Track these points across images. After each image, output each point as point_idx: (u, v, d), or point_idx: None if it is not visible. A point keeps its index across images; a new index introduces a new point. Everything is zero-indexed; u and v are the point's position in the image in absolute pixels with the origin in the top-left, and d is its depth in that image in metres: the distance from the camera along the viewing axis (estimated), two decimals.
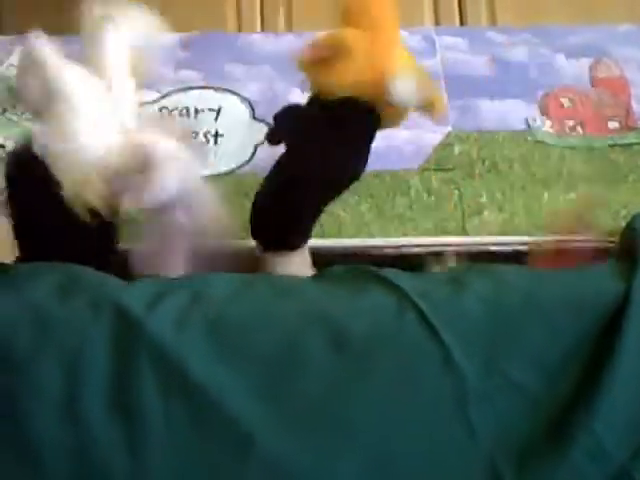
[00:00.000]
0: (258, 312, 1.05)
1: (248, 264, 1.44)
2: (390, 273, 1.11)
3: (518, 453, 1.01)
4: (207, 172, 1.57)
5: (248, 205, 1.51)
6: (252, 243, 1.43)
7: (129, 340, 1.02)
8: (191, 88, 1.74)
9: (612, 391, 0.99)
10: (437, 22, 2.11)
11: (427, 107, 1.34)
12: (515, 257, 1.45)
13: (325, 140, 1.28)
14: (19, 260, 1.24)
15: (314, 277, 1.15)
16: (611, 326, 1.03)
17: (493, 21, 2.11)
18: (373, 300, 1.07)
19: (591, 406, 0.99)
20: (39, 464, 0.98)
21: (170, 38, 1.86)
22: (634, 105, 1.72)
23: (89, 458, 0.98)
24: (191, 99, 1.71)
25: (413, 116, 1.60)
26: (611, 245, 1.39)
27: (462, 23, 2.12)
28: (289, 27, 2.11)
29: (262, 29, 2.11)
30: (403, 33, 1.84)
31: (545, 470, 0.99)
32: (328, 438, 1.00)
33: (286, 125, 1.37)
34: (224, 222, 1.29)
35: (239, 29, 2.10)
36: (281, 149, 1.60)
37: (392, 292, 1.07)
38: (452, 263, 1.39)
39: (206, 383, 0.99)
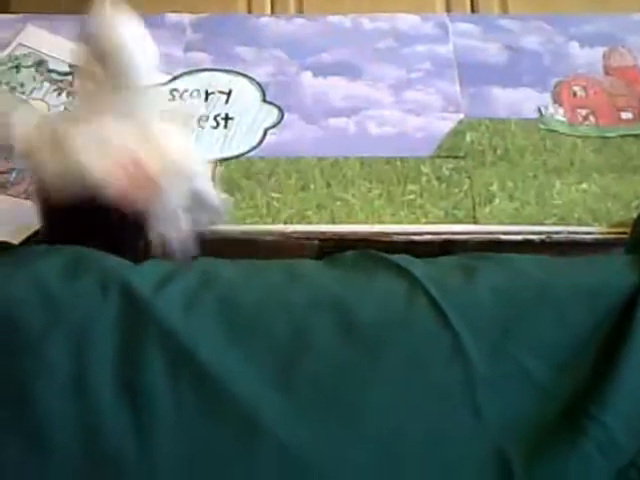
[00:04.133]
0: (269, 296, 1.05)
1: (257, 248, 1.45)
2: (401, 259, 1.10)
3: (527, 441, 1.00)
4: (217, 155, 1.56)
5: (258, 190, 1.51)
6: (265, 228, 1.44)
7: (137, 321, 1.02)
8: (201, 70, 1.72)
9: (623, 383, 0.99)
10: (448, 9, 2.09)
11: None
12: (525, 246, 1.44)
13: None
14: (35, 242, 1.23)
15: (325, 262, 1.14)
16: (623, 317, 1.02)
17: (504, 8, 2.10)
18: (383, 286, 1.06)
19: (602, 398, 0.98)
20: (48, 444, 0.98)
21: (180, 19, 1.85)
22: None
23: (98, 438, 0.98)
24: (202, 81, 1.70)
25: (423, 102, 1.61)
26: (623, 236, 1.38)
27: (473, 10, 2.11)
28: (299, 9, 2.10)
29: (272, 11, 2.10)
30: (415, 19, 1.84)
31: (555, 460, 0.98)
32: (338, 423, 0.99)
33: None
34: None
35: (249, 11, 2.09)
36: (291, 134, 1.61)
37: (403, 278, 1.06)
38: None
39: (216, 367, 0.99)
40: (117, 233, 1.19)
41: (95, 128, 1.20)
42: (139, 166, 1.18)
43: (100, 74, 1.22)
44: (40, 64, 1.72)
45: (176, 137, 1.27)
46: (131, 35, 1.24)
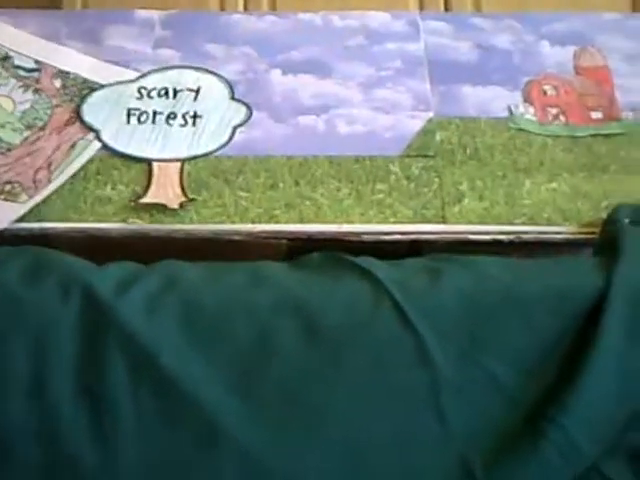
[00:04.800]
0: (232, 300, 1.04)
1: (224, 248, 1.43)
2: (366, 262, 1.10)
3: (490, 447, 1.00)
4: (185, 154, 1.55)
5: (226, 189, 1.50)
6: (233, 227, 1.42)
7: (98, 324, 1.01)
8: (170, 67, 1.71)
9: (586, 388, 0.98)
10: (421, 7, 2.09)
11: None
12: (494, 246, 1.44)
13: None
14: None
15: (290, 264, 1.14)
16: (589, 322, 1.02)
17: (478, 6, 2.09)
18: (348, 289, 1.06)
19: (564, 402, 0.98)
20: (7, 449, 0.97)
21: (150, 16, 1.83)
22: (617, 95, 1.70)
23: (58, 444, 0.97)
24: (170, 79, 1.68)
25: (393, 101, 1.60)
26: (591, 237, 1.38)
27: (447, 8, 2.11)
28: (272, 7, 2.09)
29: (245, 9, 2.08)
30: (386, 17, 1.83)
31: (515, 465, 0.98)
32: (300, 428, 0.99)
33: None
34: None
35: (222, 9, 2.08)
36: (259, 132, 1.60)
37: (367, 281, 1.06)
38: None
39: (178, 371, 0.98)
40: None
41: None
42: None
43: None
44: (5, 60, 1.70)
45: None
46: None
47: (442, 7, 2.11)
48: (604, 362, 0.99)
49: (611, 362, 1.00)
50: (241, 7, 2.09)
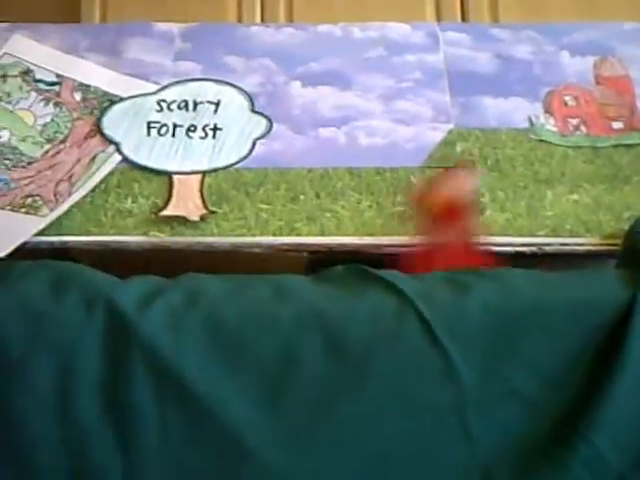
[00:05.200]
0: (255, 314, 1.03)
1: (245, 260, 1.43)
2: (390, 275, 1.09)
3: (516, 462, 0.99)
4: (206, 166, 1.55)
5: (246, 201, 1.49)
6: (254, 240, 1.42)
7: (122, 340, 1.00)
8: (190, 80, 1.71)
9: (614, 402, 0.97)
10: (439, 17, 2.09)
11: None
12: (517, 257, 1.43)
13: None
14: None
15: (313, 278, 1.13)
16: (615, 335, 1.01)
17: (495, 17, 2.09)
18: (372, 303, 1.05)
19: (593, 417, 0.97)
20: (34, 465, 0.97)
21: (169, 29, 1.84)
22: (639, 105, 1.70)
23: (84, 458, 0.97)
24: (190, 91, 1.68)
25: (413, 112, 1.60)
26: (615, 248, 1.37)
27: (464, 19, 2.10)
28: (289, 18, 2.09)
29: (262, 20, 2.09)
30: (405, 28, 1.83)
31: None
32: (325, 444, 0.98)
33: None
34: None
35: (239, 20, 2.08)
36: (280, 144, 1.59)
37: (392, 294, 1.05)
38: None
39: (202, 387, 0.98)
40: None
41: None
42: None
43: None
44: (27, 73, 1.70)
45: None
46: None
47: (459, 17, 2.11)
48: (632, 375, 0.98)
49: (638, 375, 0.99)
50: (258, 18, 2.10)
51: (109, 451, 0.97)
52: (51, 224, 1.42)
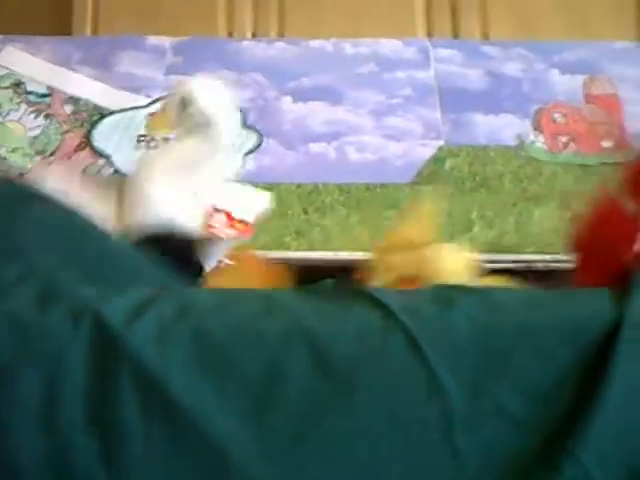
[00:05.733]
0: (243, 329, 1.03)
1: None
2: (377, 290, 1.09)
3: (503, 478, 0.99)
4: None
5: None
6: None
7: (109, 353, 0.99)
8: None
9: (601, 421, 0.97)
10: (430, 33, 2.09)
11: None
12: (505, 275, 1.43)
13: None
14: None
15: (301, 292, 1.13)
16: (602, 352, 1.01)
17: (485, 33, 2.10)
18: (359, 318, 1.04)
19: (579, 436, 0.97)
20: (17, 474, 0.96)
21: (161, 42, 1.84)
22: (627, 124, 1.71)
23: (67, 470, 0.96)
24: None
25: (403, 128, 1.60)
26: None
27: (455, 35, 2.11)
28: (281, 34, 2.10)
29: (253, 35, 2.09)
30: (397, 44, 1.84)
31: None
32: (311, 459, 0.97)
33: None
34: None
35: (230, 35, 2.09)
36: (269, 160, 1.60)
37: (378, 310, 1.05)
38: None
39: (188, 401, 0.97)
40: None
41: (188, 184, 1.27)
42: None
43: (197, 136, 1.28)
44: (18, 85, 1.70)
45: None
46: (224, 101, 1.33)
47: (450, 33, 2.12)
48: (619, 394, 0.98)
49: (625, 394, 0.99)
50: (249, 33, 2.11)
51: (93, 464, 0.96)
52: None
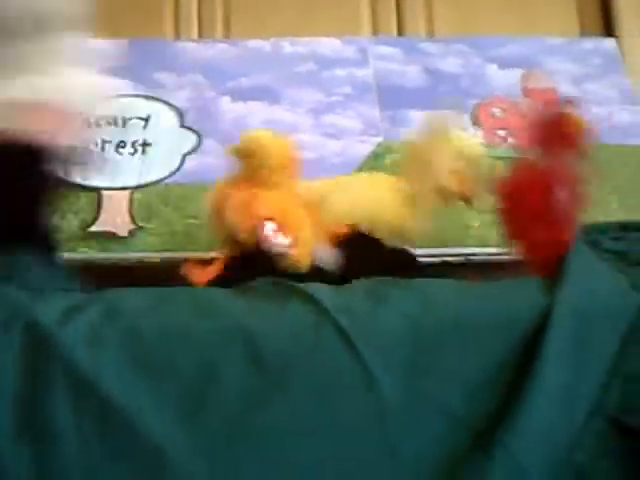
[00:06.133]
0: (176, 328, 1.03)
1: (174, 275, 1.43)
2: (310, 287, 1.09)
3: (440, 472, 0.99)
4: (135, 182, 1.54)
5: (175, 215, 1.49)
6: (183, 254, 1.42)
7: (41, 356, 0.99)
8: (120, 96, 1.70)
9: (531, 409, 0.98)
10: (375, 31, 2.10)
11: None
12: (444, 268, 1.45)
13: None
14: None
15: (236, 291, 1.13)
16: (533, 342, 1.02)
17: (431, 30, 2.11)
18: (292, 315, 1.05)
19: (510, 425, 0.98)
20: None
21: (102, 44, 1.83)
22: None
23: None
24: (120, 107, 1.68)
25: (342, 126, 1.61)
26: None
27: (400, 32, 2.12)
28: (227, 35, 2.09)
29: (200, 35, 2.09)
30: (336, 43, 1.84)
31: None
32: (244, 458, 0.98)
33: None
34: None
35: (177, 36, 2.08)
36: (209, 159, 1.60)
37: (311, 307, 1.05)
38: None
39: (120, 402, 0.97)
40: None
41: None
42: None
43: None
44: None
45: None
46: None
47: (395, 31, 2.13)
48: (549, 381, 0.99)
49: (555, 381, 1.00)
50: (195, 34, 2.10)
51: (25, 471, 0.95)
52: None
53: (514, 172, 1.25)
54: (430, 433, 1.01)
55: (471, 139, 1.38)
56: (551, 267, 1.13)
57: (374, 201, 1.32)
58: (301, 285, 1.09)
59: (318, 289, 1.09)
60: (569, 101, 1.27)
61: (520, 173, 1.24)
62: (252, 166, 1.26)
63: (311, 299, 1.06)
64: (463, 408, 1.02)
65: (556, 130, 1.23)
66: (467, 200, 1.34)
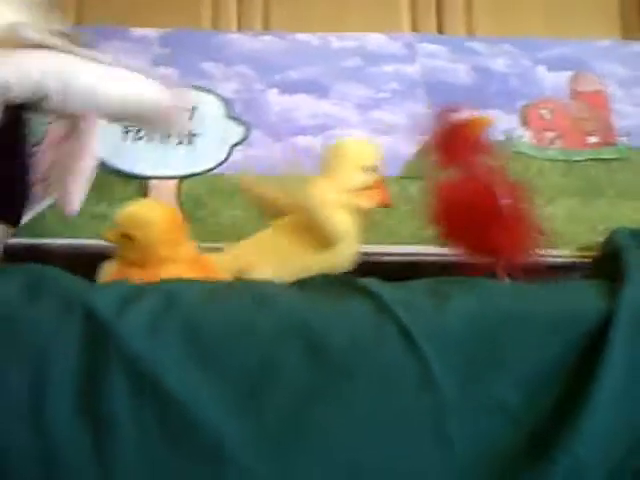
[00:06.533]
0: (236, 320, 1.02)
1: None
2: (370, 282, 1.09)
3: (496, 471, 0.99)
4: (182, 172, 1.54)
5: (224, 207, 1.49)
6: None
7: (99, 344, 0.99)
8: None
9: (595, 413, 0.97)
10: (415, 29, 2.09)
11: None
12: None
13: None
14: None
15: (294, 285, 1.12)
16: (594, 345, 1.01)
17: (470, 30, 2.09)
18: (353, 311, 1.04)
19: (573, 428, 0.97)
20: (6, 469, 0.94)
21: (146, 34, 1.83)
22: (613, 120, 1.71)
23: (57, 465, 0.95)
24: None
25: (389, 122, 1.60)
26: (586, 260, 1.37)
27: (440, 31, 2.11)
28: (266, 27, 2.08)
29: (239, 27, 2.08)
30: (382, 38, 1.83)
31: None
32: (301, 451, 0.97)
33: None
34: None
35: (214, 27, 2.07)
36: (257, 151, 1.59)
37: (372, 302, 1.05)
38: None
39: (180, 393, 0.96)
40: None
41: None
42: None
43: None
44: None
45: None
46: None
47: (435, 29, 2.12)
48: (610, 386, 0.98)
49: (618, 386, 0.99)
50: (234, 25, 2.09)
51: (83, 458, 0.95)
52: (25, 226, 1.40)
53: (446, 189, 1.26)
54: (487, 429, 1.00)
55: (366, 146, 1.35)
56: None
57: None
58: (362, 280, 1.09)
59: (377, 284, 1.08)
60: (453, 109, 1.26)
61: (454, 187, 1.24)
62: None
63: (372, 294, 1.05)
64: (520, 406, 1.01)
65: (461, 137, 1.23)
66: (387, 205, 1.32)
